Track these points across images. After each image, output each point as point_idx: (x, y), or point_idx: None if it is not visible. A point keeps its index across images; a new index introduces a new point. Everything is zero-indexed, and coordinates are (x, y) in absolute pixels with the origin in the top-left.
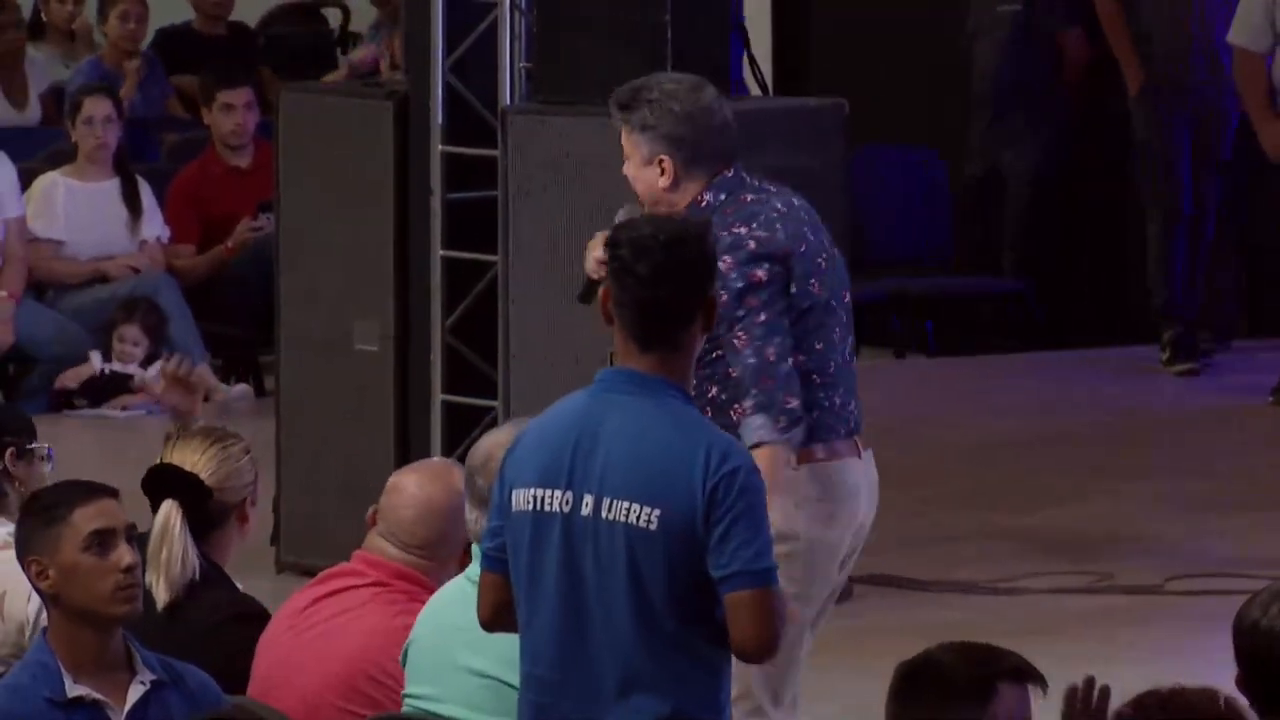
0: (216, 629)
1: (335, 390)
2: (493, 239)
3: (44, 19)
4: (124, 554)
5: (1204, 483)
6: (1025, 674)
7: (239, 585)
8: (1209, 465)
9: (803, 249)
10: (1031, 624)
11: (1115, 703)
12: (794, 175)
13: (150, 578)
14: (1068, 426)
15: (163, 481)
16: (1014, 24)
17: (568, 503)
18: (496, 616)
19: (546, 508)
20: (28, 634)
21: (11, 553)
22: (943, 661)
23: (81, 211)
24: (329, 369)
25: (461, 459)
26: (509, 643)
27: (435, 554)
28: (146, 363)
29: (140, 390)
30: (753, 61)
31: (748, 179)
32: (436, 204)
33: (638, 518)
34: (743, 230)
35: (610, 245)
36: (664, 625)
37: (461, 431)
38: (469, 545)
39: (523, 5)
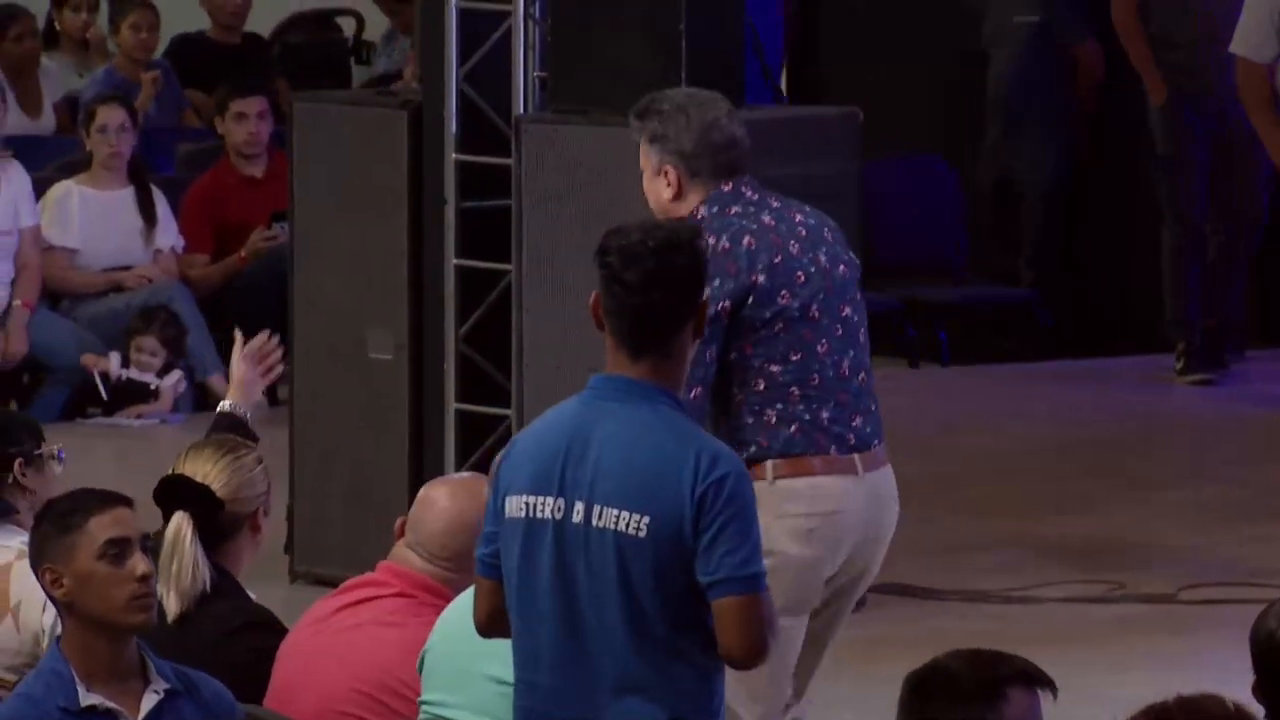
0: (227, 638)
1: (349, 399)
2: (506, 248)
3: (58, 28)
4: (139, 563)
5: (1218, 492)
6: (1034, 679)
7: (252, 595)
8: (1223, 474)
9: (776, 260)
10: (1045, 633)
11: (1125, 713)
12: (807, 184)
13: (161, 589)
14: (1081, 436)
15: (174, 493)
16: (1030, 36)
17: (559, 510)
18: (492, 622)
19: (538, 514)
20: (43, 644)
21: (26, 563)
22: (951, 668)
23: (96, 220)
24: (342, 378)
25: (475, 468)
26: None
27: (463, 566)
28: (163, 372)
29: (157, 400)
30: (766, 71)
31: (747, 193)
32: (450, 213)
33: (627, 524)
34: (710, 241)
35: (600, 252)
36: (655, 631)
37: (475, 440)
38: None
39: (537, 14)
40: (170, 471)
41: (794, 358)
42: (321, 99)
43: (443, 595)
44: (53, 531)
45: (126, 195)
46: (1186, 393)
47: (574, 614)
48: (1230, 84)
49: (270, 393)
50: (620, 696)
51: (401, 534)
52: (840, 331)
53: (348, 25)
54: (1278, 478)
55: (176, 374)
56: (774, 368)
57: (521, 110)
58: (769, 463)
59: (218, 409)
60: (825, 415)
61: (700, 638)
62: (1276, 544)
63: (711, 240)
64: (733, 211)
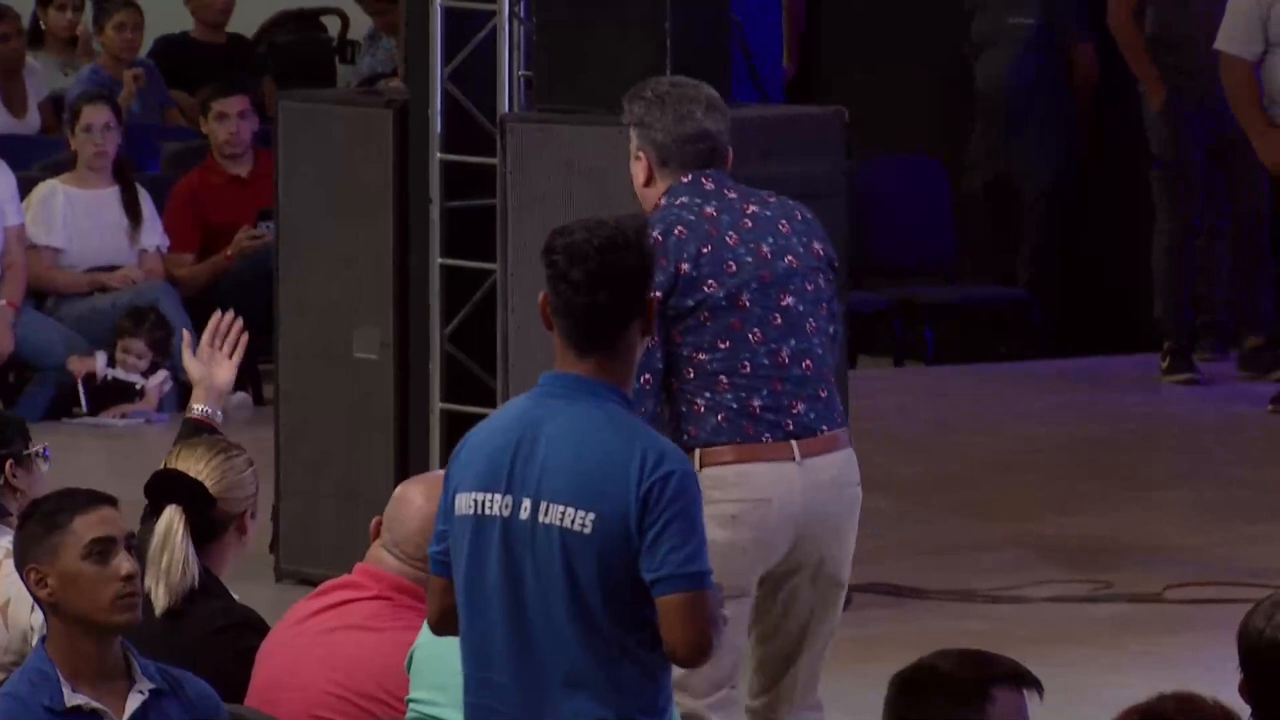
0: (212, 638)
1: (335, 398)
2: (492, 247)
3: (43, 27)
4: (124, 562)
5: (1206, 491)
6: (1021, 679)
7: (235, 595)
8: (1210, 474)
9: (704, 250)
10: (1034, 632)
11: (1109, 714)
12: (795, 183)
13: (149, 583)
14: (1076, 435)
15: (166, 487)
16: (1028, 37)
17: (507, 507)
18: (443, 620)
19: (487, 511)
20: (32, 642)
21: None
22: (938, 668)
23: (80, 219)
24: (328, 377)
25: None
26: None
27: None
28: (149, 372)
29: (143, 399)
30: (753, 70)
31: (704, 185)
32: (435, 212)
33: (573, 521)
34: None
35: (546, 251)
36: (602, 629)
37: (461, 440)
38: None
39: (522, 13)
40: (162, 467)
41: (722, 346)
42: (307, 98)
43: (420, 596)
44: (38, 531)
45: (111, 194)
46: (1181, 393)
47: (522, 611)
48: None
49: (256, 392)
50: (568, 693)
51: (377, 534)
52: (779, 320)
53: (333, 25)
54: (1273, 477)
55: (162, 374)
56: (702, 356)
57: (507, 109)
58: (696, 451)
59: (186, 413)
60: (757, 403)
61: (646, 635)
62: (1272, 544)
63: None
64: (679, 203)
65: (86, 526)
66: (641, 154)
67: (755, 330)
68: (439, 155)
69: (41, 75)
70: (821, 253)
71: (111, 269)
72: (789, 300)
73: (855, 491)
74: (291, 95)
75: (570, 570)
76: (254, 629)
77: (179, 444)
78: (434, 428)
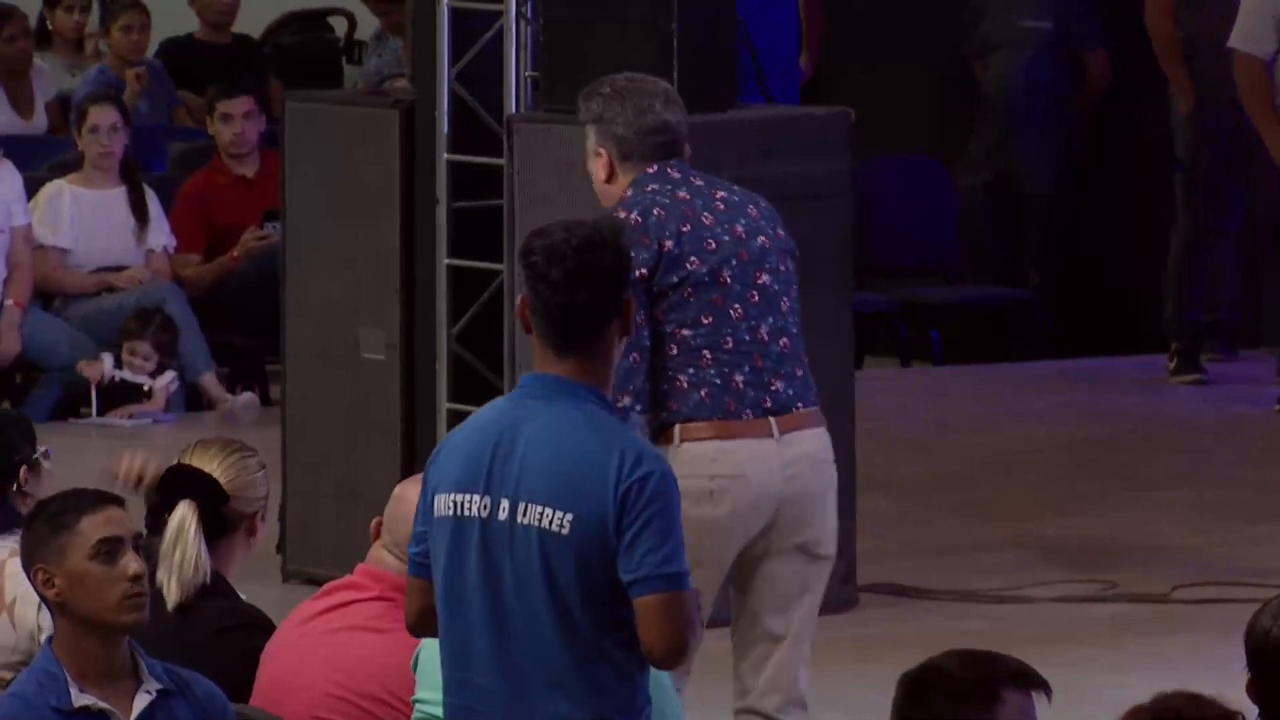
0: (219, 637)
1: (341, 399)
2: (498, 247)
3: (50, 28)
4: (131, 562)
5: (1211, 492)
6: (1030, 680)
7: (242, 595)
8: (1215, 474)
9: (685, 229)
10: (1039, 633)
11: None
12: (800, 183)
13: (162, 576)
14: (1078, 436)
15: (180, 482)
16: (1039, 40)
17: (485, 507)
18: (422, 621)
19: (465, 512)
20: (39, 641)
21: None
22: (946, 668)
23: (87, 219)
24: (335, 378)
25: None
26: None
27: None
28: (156, 373)
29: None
30: (759, 71)
31: (670, 173)
32: (442, 212)
33: (551, 522)
34: (621, 215)
35: (524, 253)
36: (580, 629)
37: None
38: None
39: (529, 14)
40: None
41: (705, 321)
42: (313, 99)
43: None
44: (45, 532)
45: (118, 195)
46: (1183, 393)
47: (501, 611)
48: None
49: (263, 393)
50: (547, 694)
51: (378, 535)
52: (757, 298)
53: (339, 25)
54: (1275, 478)
55: (170, 374)
56: (685, 332)
57: (513, 110)
58: (676, 427)
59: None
60: (739, 379)
61: (623, 636)
62: (1274, 544)
63: (623, 214)
64: (650, 189)
65: (94, 527)
66: (602, 150)
67: (736, 306)
68: (446, 155)
69: (49, 76)
70: (785, 239)
71: (118, 269)
72: (765, 278)
73: (831, 468)
74: (297, 96)
75: (549, 570)
76: (261, 629)
77: (191, 444)
78: (440, 428)
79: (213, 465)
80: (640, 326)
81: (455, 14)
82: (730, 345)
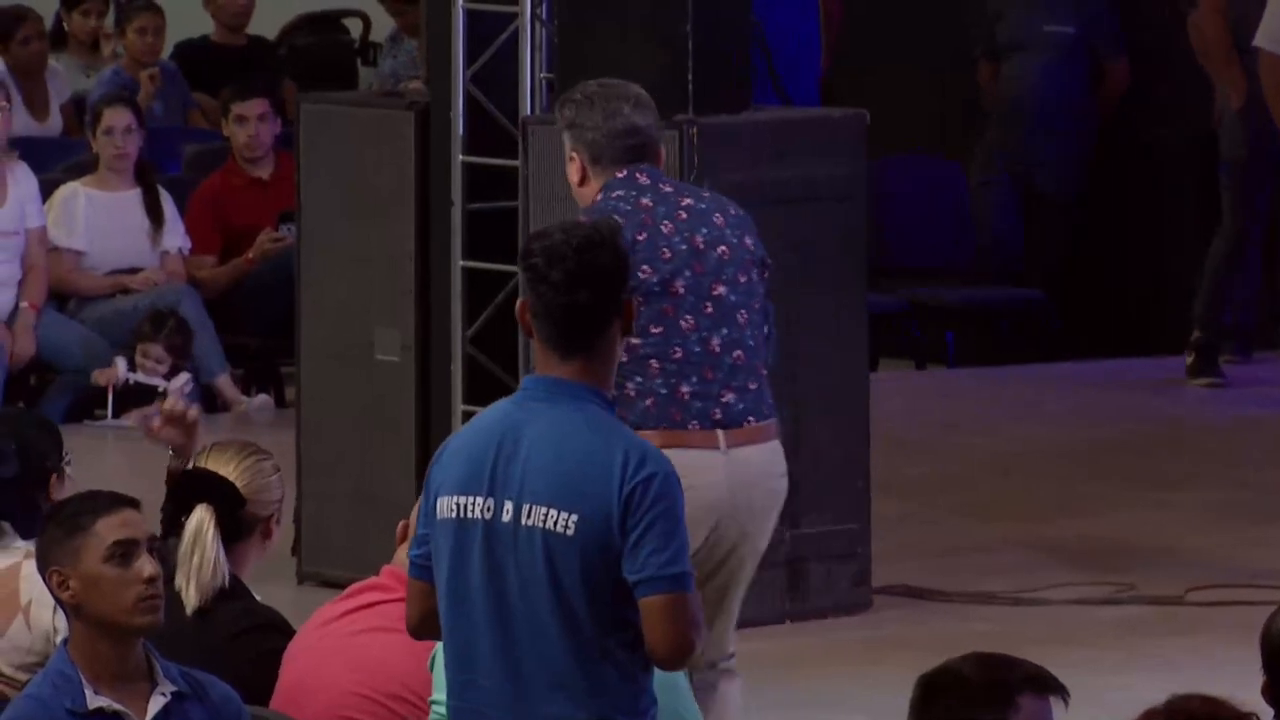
0: (236, 639)
1: (356, 400)
2: (513, 250)
3: (66, 29)
4: (146, 565)
5: (1223, 494)
6: (1047, 684)
7: (257, 596)
8: (1230, 476)
9: (640, 237)
10: (1051, 635)
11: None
12: (815, 185)
13: (180, 581)
14: (1088, 437)
15: (197, 486)
16: (1061, 45)
17: (489, 510)
18: (424, 624)
19: (469, 515)
20: (54, 643)
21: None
22: (963, 672)
23: (102, 221)
24: (350, 379)
25: None
26: None
27: None
28: (170, 374)
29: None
30: (773, 72)
31: (639, 179)
32: (457, 214)
33: (555, 523)
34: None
35: (523, 256)
36: (584, 630)
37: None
38: None
39: (544, 16)
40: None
41: (654, 331)
42: (328, 100)
43: None
44: (59, 534)
45: (133, 196)
46: (1194, 395)
47: (505, 613)
48: None
49: (278, 394)
50: (550, 695)
51: (404, 537)
52: (711, 309)
53: (354, 26)
54: None
55: (184, 376)
56: (634, 340)
57: (528, 112)
58: None
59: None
60: (686, 390)
61: (627, 636)
62: None
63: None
64: (615, 195)
65: (108, 529)
66: (575, 154)
67: (688, 317)
68: (460, 157)
69: (63, 77)
70: (753, 248)
71: (133, 271)
72: (721, 290)
73: (780, 484)
74: (312, 98)
75: (553, 572)
76: (278, 630)
77: (206, 447)
78: (455, 430)
79: (228, 469)
80: None
81: (470, 16)
82: (679, 356)
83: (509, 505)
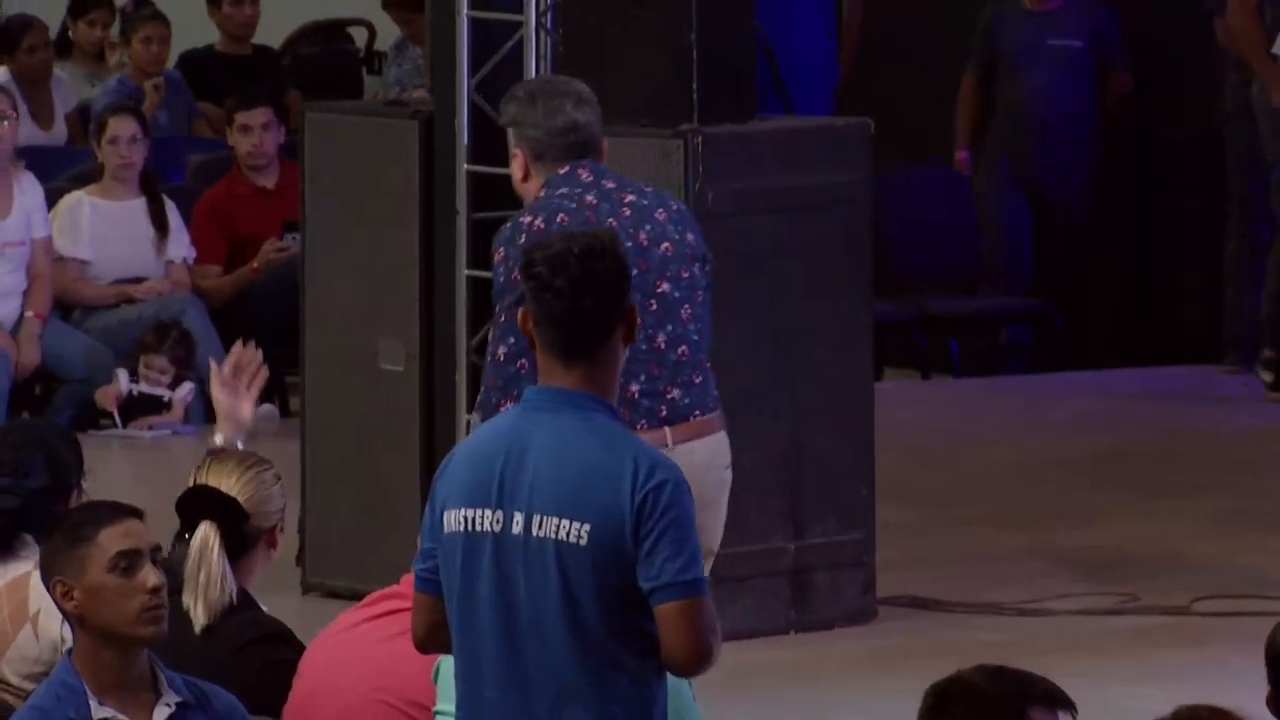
0: (243, 650)
1: (360, 410)
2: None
3: (71, 38)
4: (150, 575)
5: (1230, 503)
6: (1056, 700)
7: (264, 607)
8: (1238, 485)
9: None
10: (1059, 645)
11: None
12: (820, 194)
13: (187, 599)
14: (1096, 447)
15: (200, 503)
16: (1069, 58)
17: (498, 522)
18: (430, 637)
19: (477, 528)
20: (62, 653)
21: None
22: (974, 683)
23: (107, 231)
24: (354, 389)
25: None
26: None
27: None
28: (174, 384)
29: (169, 411)
30: (779, 81)
31: (581, 175)
32: (462, 223)
33: (567, 533)
34: (526, 220)
35: (525, 265)
36: (595, 639)
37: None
38: None
39: (548, 24)
40: (192, 483)
41: None
42: (333, 110)
43: None
44: (63, 544)
45: (138, 206)
46: (1201, 403)
47: (514, 625)
48: None
49: (283, 404)
50: (560, 706)
51: None
52: (655, 307)
53: (359, 36)
54: None
55: (188, 385)
56: None
57: None
58: None
59: (208, 447)
60: (634, 389)
61: (639, 645)
62: None
63: (527, 219)
64: (559, 193)
65: (112, 539)
66: (518, 151)
67: None
68: (465, 166)
69: (69, 86)
70: (695, 244)
71: (138, 281)
72: (665, 287)
73: (724, 474)
74: (317, 107)
75: (565, 582)
76: (285, 642)
77: (206, 460)
78: (460, 439)
79: (230, 482)
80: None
81: (475, 24)
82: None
83: (519, 517)
